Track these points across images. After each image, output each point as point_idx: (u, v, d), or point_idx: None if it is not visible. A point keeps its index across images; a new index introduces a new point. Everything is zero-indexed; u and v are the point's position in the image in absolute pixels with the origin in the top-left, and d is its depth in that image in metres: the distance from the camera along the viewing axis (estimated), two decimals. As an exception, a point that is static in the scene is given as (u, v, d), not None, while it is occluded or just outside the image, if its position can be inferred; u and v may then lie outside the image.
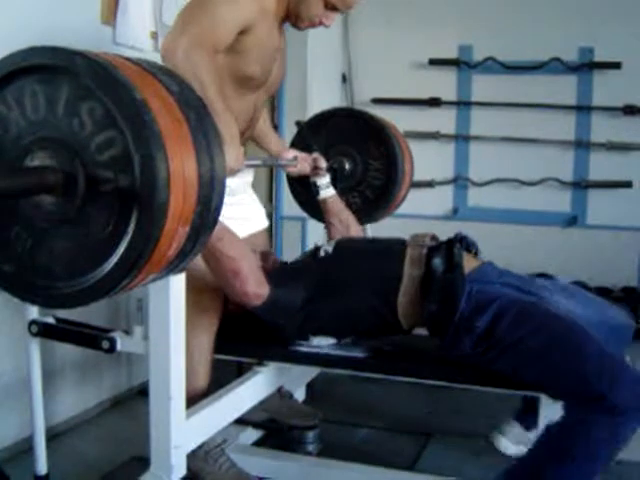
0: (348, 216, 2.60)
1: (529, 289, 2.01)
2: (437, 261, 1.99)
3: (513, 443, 2.39)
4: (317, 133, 2.86)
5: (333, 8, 2.15)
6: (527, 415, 2.43)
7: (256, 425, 2.58)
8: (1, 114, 1.40)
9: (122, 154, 1.29)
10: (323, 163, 2.56)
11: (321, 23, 2.18)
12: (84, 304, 1.42)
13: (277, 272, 2.13)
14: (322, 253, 2.17)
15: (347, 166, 2.87)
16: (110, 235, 1.33)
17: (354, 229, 2.58)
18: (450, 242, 2.07)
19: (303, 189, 2.78)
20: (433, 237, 2.13)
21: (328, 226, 2.59)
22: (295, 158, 2.54)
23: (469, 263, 2.03)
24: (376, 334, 2.13)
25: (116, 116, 1.28)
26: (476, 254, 2.14)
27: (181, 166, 1.32)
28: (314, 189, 2.57)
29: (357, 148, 2.88)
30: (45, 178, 1.32)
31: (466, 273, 1.96)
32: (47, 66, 1.33)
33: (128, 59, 1.42)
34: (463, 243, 2.11)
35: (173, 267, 1.48)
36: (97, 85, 1.29)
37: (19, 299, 1.49)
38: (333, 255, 2.16)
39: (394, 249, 2.11)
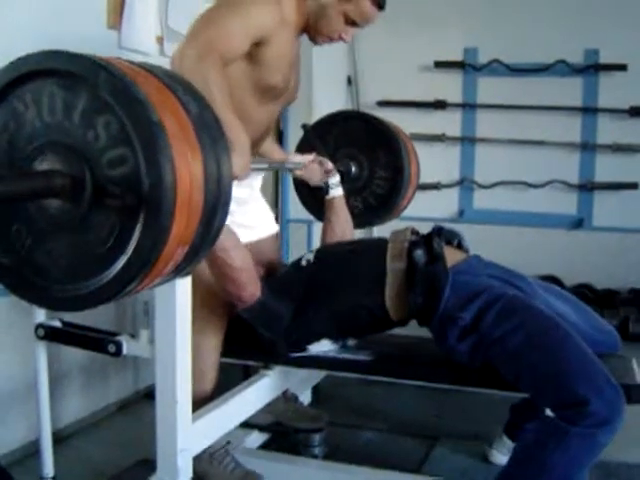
0: (347, 217, 2.61)
1: (515, 282, 2.02)
2: (418, 253, 2.00)
3: (504, 454, 2.43)
4: (326, 134, 2.87)
5: (353, 23, 2.15)
6: (514, 426, 2.45)
7: (262, 428, 2.58)
8: (17, 111, 1.39)
9: (132, 174, 1.29)
10: (330, 164, 2.57)
11: (340, 38, 2.19)
12: (75, 310, 1.44)
13: (271, 282, 2.14)
14: (304, 262, 2.19)
15: (353, 169, 2.88)
16: (109, 250, 1.33)
17: (349, 232, 2.58)
18: (429, 236, 2.08)
19: (309, 190, 2.78)
20: (413, 231, 2.13)
21: (326, 224, 2.58)
22: (302, 162, 2.54)
23: (454, 256, 2.04)
24: (369, 331, 2.14)
25: (131, 135, 1.28)
26: (460, 246, 2.14)
27: (189, 194, 1.32)
28: (324, 187, 2.57)
29: (365, 153, 2.89)
30: (53, 181, 1.32)
31: (451, 265, 1.97)
32: (70, 72, 1.33)
33: (152, 71, 1.41)
34: (442, 235, 2.11)
35: (165, 280, 1.50)
36: (116, 101, 1.29)
37: (14, 294, 1.49)
38: (315, 263, 2.17)
39: (375, 246, 2.14)
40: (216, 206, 1.40)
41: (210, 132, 1.40)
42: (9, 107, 1.40)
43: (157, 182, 1.27)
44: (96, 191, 1.32)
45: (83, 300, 1.38)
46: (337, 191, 2.57)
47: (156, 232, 1.29)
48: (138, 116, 1.28)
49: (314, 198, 2.75)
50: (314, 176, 2.55)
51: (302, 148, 2.81)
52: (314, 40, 2.22)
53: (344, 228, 2.54)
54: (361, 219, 2.82)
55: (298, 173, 2.56)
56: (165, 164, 1.27)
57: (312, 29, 2.16)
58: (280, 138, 4.34)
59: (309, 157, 2.55)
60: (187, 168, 1.32)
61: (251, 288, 2.00)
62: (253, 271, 2.01)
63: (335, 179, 2.57)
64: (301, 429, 2.55)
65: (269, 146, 2.53)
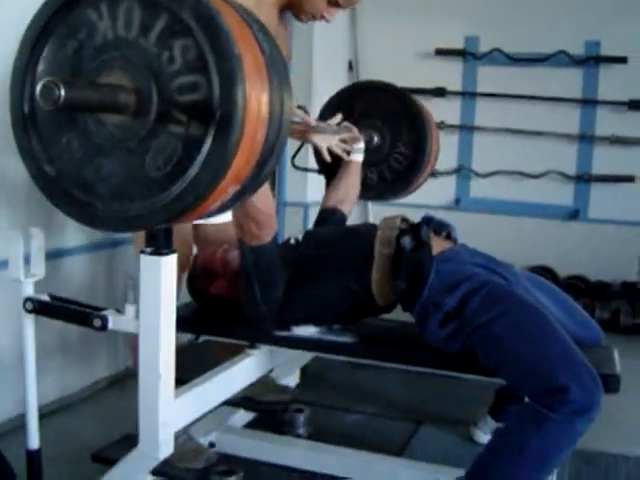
0: (356, 183, 2.64)
1: (500, 271, 2.03)
2: (406, 240, 2.01)
3: (487, 434, 2.51)
4: (352, 102, 2.88)
5: (336, 4, 2.15)
6: (498, 409, 2.50)
7: (230, 403, 2.58)
8: (90, 19, 1.36)
9: (203, 103, 1.27)
10: (356, 130, 2.61)
11: (323, 18, 2.19)
12: (118, 231, 1.47)
13: None
14: (292, 241, 2.20)
15: (375, 140, 2.87)
16: (164, 176, 1.31)
17: (352, 197, 2.61)
18: (418, 224, 2.10)
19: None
20: (404, 219, 2.14)
21: (331, 185, 2.62)
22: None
23: (441, 244, 2.06)
24: (355, 316, 2.15)
25: (209, 65, 1.26)
26: (449, 236, 2.15)
27: (254, 131, 1.31)
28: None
29: (389, 126, 2.88)
30: (119, 96, 1.29)
31: (437, 253, 1.99)
32: None
33: (231, 4, 1.39)
34: (431, 225, 2.13)
35: (203, 217, 1.52)
36: (199, 27, 1.27)
37: (53, 204, 1.47)
38: (303, 243, 2.20)
39: (364, 232, 2.15)
40: (273, 147, 1.40)
41: (278, 73, 1.39)
42: (82, 14, 1.36)
43: (228, 115, 1.25)
44: (160, 114, 1.30)
45: (126, 222, 1.37)
46: (357, 157, 2.62)
47: (217, 166, 1.28)
48: (221, 46, 1.26)
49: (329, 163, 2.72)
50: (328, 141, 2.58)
51: (325, 113, 2.83)
52: (297, 17, 2.22)
53: (348, 192, 2.59)
54: (374, 191, 2.84)
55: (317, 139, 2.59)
56: (239, 98, 1.26)
57: (296, 7, 2.16)
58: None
59: (335, 119, 2.59)
60: (257, 105, 1.31)
61: (268, 229, 2.00)
62: (273, 217, 2.03)
63: (360, 145, 2.61)
64: (270, 402, 2.57)
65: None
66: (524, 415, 1.82)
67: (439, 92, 4.89)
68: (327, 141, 2.61)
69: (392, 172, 2.90)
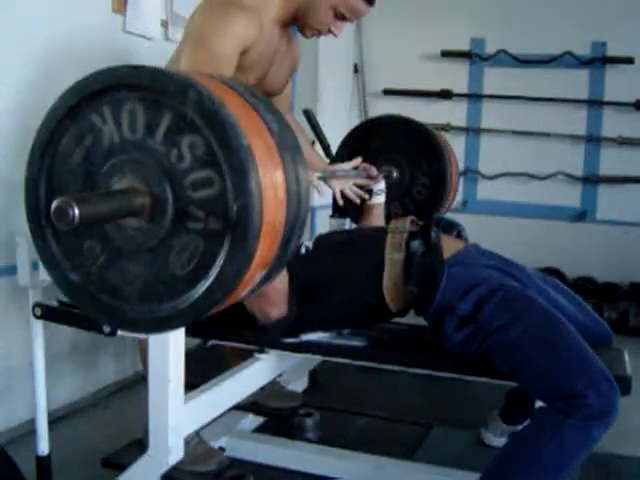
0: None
1: (513, 273, 2.02)
2: (416, 244, 1.99)
3: (497, 436, 2.51)
4: (369, 138, 2.88)
5: (342, 17, 2.14)
6: (509, 411, 2.48)
7: (237, 407, 2.58)
8: (94, 125, 1.35)
9: (218, 198, 1.25)
10: (374, 170, 2.57)
11: (330, 32, 2.17)
12: (150, 332, 1.43)
13: None
14: (303, 250, 2.19)
15: (395, 175, 2.86)
16: (189, 274, 1.29)
17: None
18: (427, 226, 2.07)
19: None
20: (413, 221, 2.13)
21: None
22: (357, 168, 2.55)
23: (452, 245, 2.04)
24: (367, 323, 2.14)
25: (219, 159, 1.24)
26: (459, 235, 2.14)
27: (273, 216, 1.29)
28: (368, 193, 2.59)
29: (407, 159, 2.88)
30: (134, 200, 1.28)
31: (449, 255, 1.97)
32: (155, 89, 1.27)
33: (234, 87, 1.37)
34: (441, 225, 2.11)
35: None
36: (204, 123, 1.25)
37: (82, 311, 1.47)
38: (314, 251, 2.18)
39: (374, 236, 2.12)
40: (294, 226, 1.38)
41: (290, 151, 1.36)
42: (86, 120, 1.35)
43: (245, 207, 1.23)
44: (178, 213, 1.28)
45: (158, 323, 1.36)
46: (379, 198, 2.59)
47: (241, 258, 1.25)
48: (228, 140, 1.24)
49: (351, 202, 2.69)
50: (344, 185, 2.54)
51: (342, 152, 2.85)
52: (302, 32, 2.20)
53: None
54: None
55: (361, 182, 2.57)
56: (254, 189, 1.23)
57: (301, 22, 2.15)
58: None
59: (353, 163, 2.55)
60: (273, 191, 1.28)
61: (280, 308, 2.00)
62: (286, 293, 2.01)
63: (380, 186, 2.59)
64: (277, 408, 2.56)
65: (309, 152, 2.52)
66: (540, 420, 1.80)
67: (445, 94, 4.89)
68: (341, 185, 2.56)
69: (416, 204, 2.88)
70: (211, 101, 1.25)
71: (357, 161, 2.56)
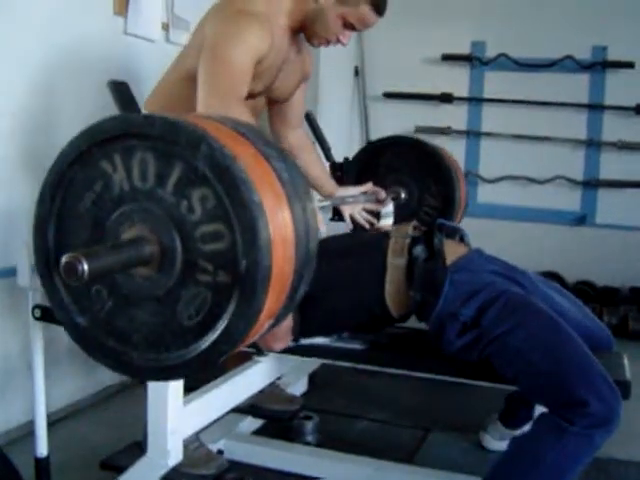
0: None
1: (516, 277, 2.02)
2: (418, 249, 1.99)
3: (496, 440, 2.51)
4: (377, 159, 2.89)
5: (352, 27, 2.13)
6: (509, 415, 2.48)
7: (236, 410, 2.58)
8: (105, 171, 1.33)
9: (227, 252, 1.24)
10: (383, 193, 2.59)
11: (338, 41, 2.16)
12: (156, 380, 1.42)
13: None
14: None
15: (402, 196, 2.86)
16: (197, 325, 1.29)
17: None
18: (430, 231, 2.07)
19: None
20: (415, 226, 2.13)
21: None
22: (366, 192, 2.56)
23: (455, 250, 2.04)
24: (368, 329, 2.13)
25: (230, 214, 1.22)
26: (462, 239, 2.14)
27: (282, 270, 1.28)
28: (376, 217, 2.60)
29: (415, 180, 2.87)
30: (142, 249, 1.27)
31: (452, 261, 1.97)
32: (166, 140, 1.26)
33: (247, 136, 1.35)
34: (444, 230, 2.11)
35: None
36: (215, 177, 1.23)
37: (89, 355, 1.46)
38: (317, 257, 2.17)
39: (376, 241, 2.12)
40: (302, 275, 1.37)
41: (300, 200, 1.35)
42: (96, 165, 1.34)
43: (255, 264, 1.21)
44: (187, 264, 1.27)
45: (163, 371, 1.34)
46: (387, 220, 2.58)
47: (250, 313, 1.24)
48: (239, 196, 1.22)
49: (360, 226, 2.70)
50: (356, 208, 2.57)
51: (348, 176, 2.85)
52: (310, 41, 2.19)
53: None
54: None
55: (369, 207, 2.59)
56: (264, 246, 1.22)
57: (309, 31, 2.13)
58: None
59: (363, 188, 2.56)
60: (282, 244, 1.27)
61: (285, 341, 2.02)
62: (290, 328, 2.01)
63: (388, 209, 2.59)
64: (275, 411, 2.56)
65: (321, 175, 2.55)
66: (542, 427, 1.79)
67: (446, 98, 4.89)
68: (350, 209, 2.57)
69: (424, 225, 2.87)
70: (223, 156, 1.23)
71: (367, 186, 2.58)
